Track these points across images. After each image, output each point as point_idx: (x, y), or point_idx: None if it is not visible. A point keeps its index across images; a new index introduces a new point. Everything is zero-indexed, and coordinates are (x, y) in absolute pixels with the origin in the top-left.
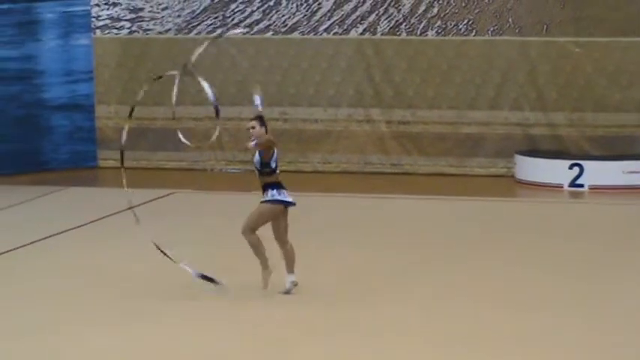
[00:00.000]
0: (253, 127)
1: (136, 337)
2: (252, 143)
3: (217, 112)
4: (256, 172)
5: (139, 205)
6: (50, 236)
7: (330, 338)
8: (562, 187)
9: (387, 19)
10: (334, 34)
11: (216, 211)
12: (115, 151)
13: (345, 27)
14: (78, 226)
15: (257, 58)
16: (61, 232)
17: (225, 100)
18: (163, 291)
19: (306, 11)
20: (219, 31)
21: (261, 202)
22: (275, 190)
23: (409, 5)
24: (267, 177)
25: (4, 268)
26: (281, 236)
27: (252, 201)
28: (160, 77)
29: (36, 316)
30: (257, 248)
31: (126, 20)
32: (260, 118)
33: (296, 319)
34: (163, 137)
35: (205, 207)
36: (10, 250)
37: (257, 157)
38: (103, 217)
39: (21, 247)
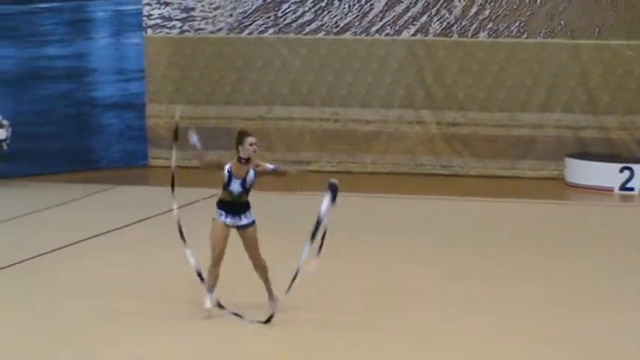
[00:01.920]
0: (252, 145)
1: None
2: (272, 167)
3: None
4: (235, 193)
5: (191, 203)
6: (100, 234)
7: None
8: (612, 190)
9: (438, 20)
10: (386, 35)
11: (262, 211)
12: (165, 149)
13: (396, 28)
14: (127, 225)
15: (309, 59)
16: (111, 231)
17: (276, 101)
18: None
19: (358, 12)
20: (270, 31)
21: (249, 224)
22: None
23: (461, 7)
24: (245, 197)
25: (53, 266)
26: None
27: (297, 201)
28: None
29: (84, 315)
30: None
31: (177, 20)
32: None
33: (344, 323)
34: (214, 136)
35: (252, 207)
36: (60, 248)
37: (252, 176)
38: (153, 216)
39: (70, 244)
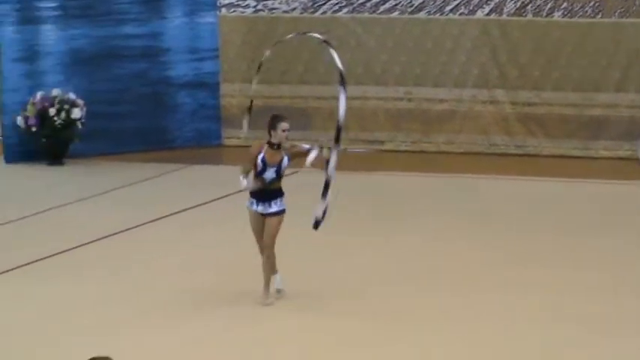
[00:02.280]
0: (284, 130)
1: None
2: (306, 147)
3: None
4: (268, 180)
5: None
6: (173, 214)
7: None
8: None
9: (512, 0)
10: (460, 14)
11: (337, 191)
12: (239, 129)
13: (470, 7)
14: (201, 204)
15: (383, 38)
16: (184, 210)
17: (350, 80)
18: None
19: None
20: (344, 10)
21: (279, 211)
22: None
23: None
24: (278, 183)
25: (127, 245)
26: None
27: (375, 181)
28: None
29: (166, 291)
30: (273, 263)
31: None
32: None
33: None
34: (288, 115)
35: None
36: (135, 227)
37: (286, 162)
38: (227, 196)
39: (145, 223)
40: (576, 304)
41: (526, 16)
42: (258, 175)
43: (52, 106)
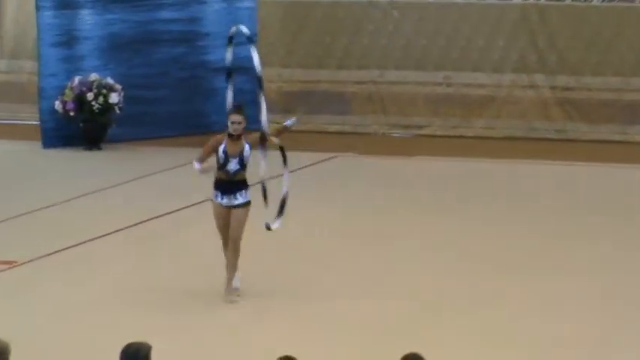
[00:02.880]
0: (240, 123)
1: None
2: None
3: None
4: (232, 172)
5: (302, 167)
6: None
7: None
8: None
9: None
10: None
11: (376, 176)
12: (278, 113)
13: None
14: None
15: (421, 23)
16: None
17: (389, 64)
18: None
19: None
20: None
21: (245, 203)
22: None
23: None
24: (244, 173)
25: (166, 230)
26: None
27: (413, 165)
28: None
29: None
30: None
31: None
32: (243, 111)
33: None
34: (326, 100)
35: (366, 171)
36: (172, 212)
37: (248, 151)
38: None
39: (181, 209)
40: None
41: (565, 0)
42: (222, 167)
43: (90, 90)
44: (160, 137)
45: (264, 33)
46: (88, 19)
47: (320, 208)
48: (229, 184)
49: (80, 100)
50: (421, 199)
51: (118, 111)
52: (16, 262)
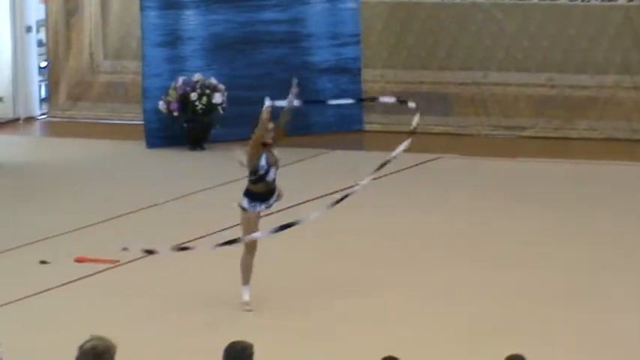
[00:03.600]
0: (272, 130)
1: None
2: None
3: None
4: (271, 181)
5: (405, 168)
6: (316, 197)
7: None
8: None
9: None
10: (602, 0)
11: (478, 177)
12: (380, 114)
13: None
14: (342, 189)
15: (524, 24)
16: (324, 195)
17: (492, 66)
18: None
19: None
20: None
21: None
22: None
23: None
24: (273, 184)
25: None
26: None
27: (514, 167)
28: None
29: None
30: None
31: None
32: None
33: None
34: (429, 101)
35: (469, 172)
36: (275, 212)
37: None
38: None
39: (284, 209)
40: None
41: None
42: (261, 178)
43: (194, 90)
44: None
45: (367, 34)
46: (192, 19)
47: (423, 208)
48: (268, 192)
49: (184, 101)
50: (524, 200)
51: (221, 111)
52: (118, 261)
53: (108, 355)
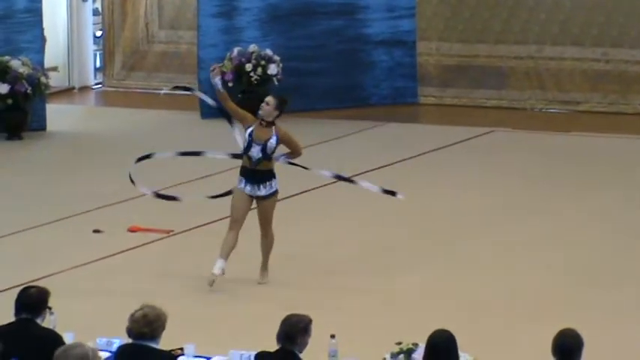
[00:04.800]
0: (267, 104)
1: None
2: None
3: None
4: (254, 160)
5: (459, 142)
6: (368, 171)
7: None
8: None
9: None
10: None
11: (532, 151)
12: (435, 87)
13: None
14: (396, 162)
15: None
16: (380, 168)
17: (547, 40)
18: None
19: None
20: None
21: (268, 195)
22: (275, 178)
23: None
24: (270, 163)
25: (329, 197)
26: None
27: (568, 142)
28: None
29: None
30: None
31: None
32: (281, 100)
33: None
34: (484, 74)
35: (522, 146)
36: (332, 183)
37: (274, 144)
38: (422, 154)
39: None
40: None
41: None
42: (245, 151)
43: (249, 61)
44: (317, 110)
45: (423, 6)
46: None
47: (475, 182)
48: (253, 172)
49: (239, 71)
50: (577, 175)
51: (276, 82)
52: (172, 230)
53: (158, 322)
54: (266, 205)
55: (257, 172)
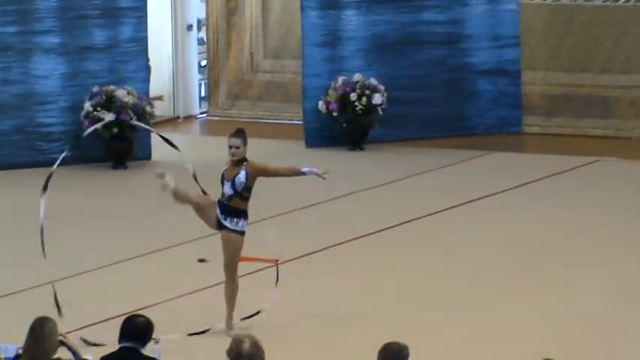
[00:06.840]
0: (237, 147)
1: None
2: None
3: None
4: (225, 195)
5: (564, 171)
6: (473, 200)
7: None
8: None
9: None
10: None
11: (638, 181)
12: (540, 117)
13: None
14: (501, 191)
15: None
16: (484, 197)
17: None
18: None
19: None
20: None
21: (232, 230)
22: (245, 220)
23: None
24: (243, 203)
25: (428, 229)
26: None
27: None
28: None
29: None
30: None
31: None
32: (243, 135)
33: None
34: (589, 104)
35: (628, 176)
36: (438, 212)
37: (242, 178)
38: (527, 183)
39: (448, 209)
40: None
41: None
42: (221, 187)
43: (354, 91)
44: (421, 139)
45: (527, 35)
46: (352, 19)
47: (580, 210)
48: (226, 206)
49: (343, 101)
50: None
51: (380, 112)
52: (277, 260)
53: (257, 356)
54: (229, 237)
55: (229, 207)
